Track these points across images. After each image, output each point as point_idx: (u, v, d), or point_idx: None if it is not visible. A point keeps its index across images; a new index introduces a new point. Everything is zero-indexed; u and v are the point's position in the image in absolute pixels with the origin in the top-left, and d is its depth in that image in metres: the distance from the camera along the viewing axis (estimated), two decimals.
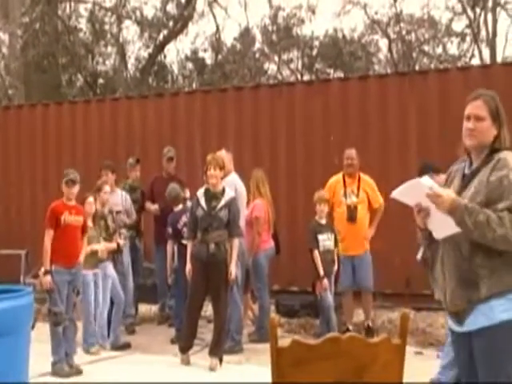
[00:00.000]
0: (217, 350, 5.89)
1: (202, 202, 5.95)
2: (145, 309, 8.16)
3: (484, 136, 2.73)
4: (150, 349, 6.62)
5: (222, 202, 5.93)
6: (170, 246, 6.92)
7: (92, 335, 6.40)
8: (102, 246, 6.54)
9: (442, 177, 6.22)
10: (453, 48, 21.22)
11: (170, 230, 6.89)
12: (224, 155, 6.55)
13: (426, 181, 2.70)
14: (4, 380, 4.15)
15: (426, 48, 21.42)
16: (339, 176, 7.14)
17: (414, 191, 2.69)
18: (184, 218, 6.81)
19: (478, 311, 2.62)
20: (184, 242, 6.69)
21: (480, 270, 2.61)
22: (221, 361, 5.88)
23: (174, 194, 7.04)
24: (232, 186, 6.32)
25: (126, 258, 7.34)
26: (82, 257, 5.98)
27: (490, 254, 2.60)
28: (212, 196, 5.96)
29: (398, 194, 2.76)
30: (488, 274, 2.60)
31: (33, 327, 6.02)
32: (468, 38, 20.91)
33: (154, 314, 8.07)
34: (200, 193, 6.03)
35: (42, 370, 5.54)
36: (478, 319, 2.63)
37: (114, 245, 6.78)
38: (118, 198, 7.52)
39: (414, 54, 21.16)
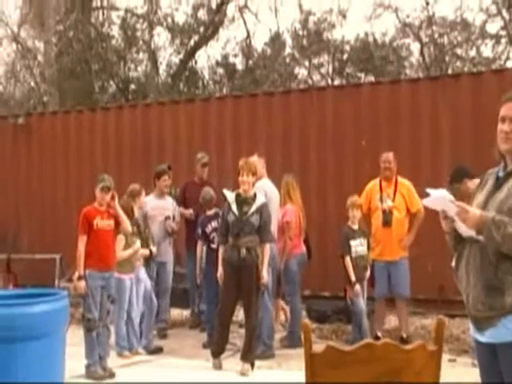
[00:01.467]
0: (248, 354, 5.90)
1: (234, 207, 5.97)
2: (177, 313, 8.20)
3: None
4: (182, 353, 6.65)
5: (254, 208, 5.94)
6: (200, 247, 6.97)
7: (124, 339, 6.46)
8: (139, 250, 6.62)
9: (476, 181, 6.15)
10: (487, 50, 20.90)
11: (199, 231, 6.96)
12: (256, 160, 6.56)
13: (445, 194, 2.65)
14: (40, 381, 4.21)
15: (459, 51, 21.14)
16: (376, 181, 7.03)
17: (441, 201, 2.65)
18: (214, 223, 6.86)
19: (501, 324, 2.51)
20: (213, 246, 6.77)
21: (506, 276, 2.51)
22: (252, 366, 5.89)
23: (209, 197, 7.09)
24: (262, 191, 6.33)
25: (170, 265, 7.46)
26: (116, 260, 6.05)
27: None
28: (243, 201, 5.97)
29: (429, 202, 2.71)
30: None
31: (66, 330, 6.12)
32: (503, 40, 20.58)
33: (185, 319, 8.12)
34: (231, 198, 6.05)
35: (75, 373, 5.60)
36: (500, 332, 2.52)
37: (147, 251, 6.84)
38: (169, 204, 7.62)
39: (447, 58, 20.90)
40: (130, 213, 6.52)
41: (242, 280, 5.89)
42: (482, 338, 2.61)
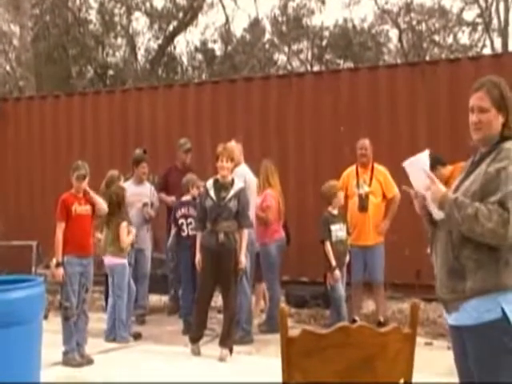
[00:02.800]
0: (227, 340, 5.91)
1: (212, 192, 5.96)
2: (155, 299, 8.20)
3: (490, 128, 2.65)
4: (161, 339, 6.66)
5: (232, 193, 5.94)
6: (173, 231, 7.08)
7: (126, 327, 6.54)
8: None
9: (449, 168, 6.21)
10: (464, 38, 21.08)
11: (172, 216, 7.07)
12: (234, 146, 6.55)
13: (425, 157, 2.78)
14: (16, 369, 4.18)
15: (436, 38, 21.25)
16: (353, 167, 7.10)
17: (417, 168, 2.74)
18: (184, 209, 6.88)
19: (463, 308, 2.57)
20: (183, 233, 6.84)
21: (467, 261, 2.55)
22: (231, 351, 5.91)
23: (184, 181, 7.09)
24: (242, 177, 6.33)
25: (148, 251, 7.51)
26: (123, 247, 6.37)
27: (479, 247, 2.53)
28: (221, 187, 5.97)
29: (408, 165, 2.80)
30: (474, 267, 2.54)
31: (46, 318, 6.10)
32: (479, 28, 20.72)
33: (164, 305, 8.11)
34: (209, 184, 6.04)
35: (53, 360, 5.58)
36: (462, 316, 2.58)
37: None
38: (147, 190, 7.59)
39: (425, 44, 21.01)
40: (121, 200, 6.53)
41: (221, 265, 5.89)
42: (450, 321, 2.68)
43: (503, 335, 2.49)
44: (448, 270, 2.62)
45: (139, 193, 7.46)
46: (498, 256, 2.52)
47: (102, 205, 6.09)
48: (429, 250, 2.82)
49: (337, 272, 6.61)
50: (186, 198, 7.02)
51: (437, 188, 2.63)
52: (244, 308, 6.43)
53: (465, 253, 2.57)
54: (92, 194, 6.01)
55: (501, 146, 2.61)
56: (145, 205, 7.48)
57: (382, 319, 6.82)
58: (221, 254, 5.88)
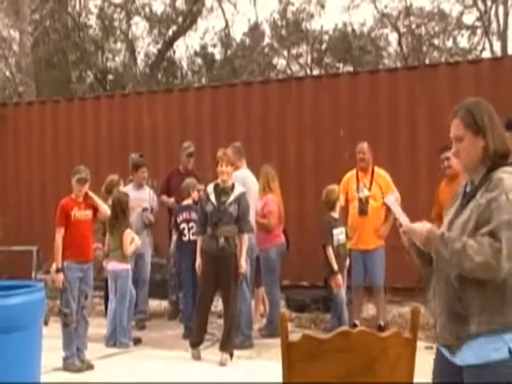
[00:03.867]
0: (227, 344, 5.90)
1: (212, 197, 5.96)
2: (155, 304, 8.18)
3: (469, 155, 2.51)
4: (161, 344, 6.64)
5: (232, 197, 5.94)
6: (173, 236, 7.08)
7: (126, 332, 6.54)
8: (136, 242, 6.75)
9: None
10: (463, 41, 21.08)
11: (173, 220, 7.04)
12: (241, 147, 6.62)
13: (390, 199, 2.67)
14: (16, 374, 4.17)
15: (436, 41, 21.29)
16: (353, 172, 7.08)
17: (395, 206, 2.61)
18: (185, 214, 6.88)
19: (468, 347, 2.39)
20: (184, 238, 6.84)
21: (470, 303, 2.38)
22: (231, 356, 5.90)
23: (184, 185, 7.08)
24: (240, 181, 6.32)
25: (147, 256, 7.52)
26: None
27: (481, 286, 2.35)
28: (221, 191, 5.96)
29: (388, 200, 2.71)
30: (478, 310, 2.37)
31: (46, 324, 6.08)
32: (479, 31, 20.76)
33: (164, 309, 8.10)
34: (210, 188, 6.04)
35: (53, 365, 5.57)
36: (467, 356, 2.41)
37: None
38: (146, 195, 7.59)
39: (424, 48, 21.04)
40: (125, 206, 6.54)
41: (221, 270, 5.89)
42: (450, 358, 2.50)
43: (510, 376, 2.34)
44: (450, 314, 2.44)
45: (139, 197, 7.45)
46: (502, 293, 2.36)
47: (105, 209, 6.09)
48: (428, 299, 2.61)
49: (339, 277, 6.59)
50: (187, 202, 7.01)
51: (419, 229, 2.44)
52: (244, 312, 6.42)
53: (466, 294, 2.39)
54: (95, 198, 6.01)
55: (491, 175, 2.46)
56: (144, 209, 7.49)
57: (382, 323, 6.80)
58: (221, 258, 5.87)
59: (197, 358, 5.98)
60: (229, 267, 5.88)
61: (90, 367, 5.74)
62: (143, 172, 7.62)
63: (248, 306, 6.54)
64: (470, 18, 20.69)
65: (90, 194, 5.95)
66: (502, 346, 2.35)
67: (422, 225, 2.46)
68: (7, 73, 19.30)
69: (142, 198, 7.51)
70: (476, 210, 2.42)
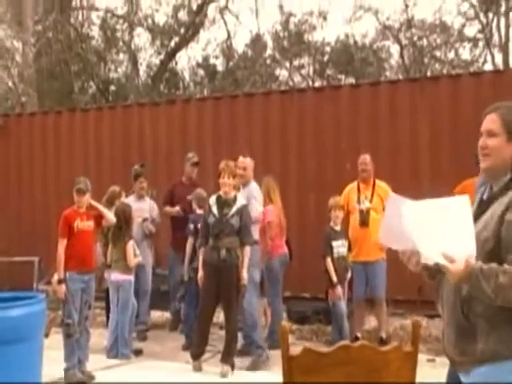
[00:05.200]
0: (228, 356, 5.89)
1: (214, 209, 5.98)
2: (157, 315, 8.17)
3: (498, 155, 2.30)
4: (162, 355, 6.63)
5: (234, 209, 5.95)
6: (190, 244, 6.90)
7: (127, 343, 6.53)
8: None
9: None
10: (465, 53, 21.13)
11: (191, 226, 6.91)
12: (248, 162, 6.66)
13: (407, 208, 2.21)
14: None
15: (437, 53, 21.34)
16: (354, 183, 7.11)
17: (394, 233, 2.24)
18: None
19: (475, 373, 2.25)
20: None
21: (478, 320, 2.23)
22: (232, 367, 5.88)
23: (204, 196, 7.02)
24: (245, 195, 6.35)
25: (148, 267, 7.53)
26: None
27: (492, 305, 2.18)
28: (224, 203, 5.98)
29: (382, 237, 2.39)
30: (487, 328, 2.22)
31: (47, 336, 6.07)
32: (480, 44, 20.81)
33: (165, 321, 8.08)
34: (212, 200, 6.06)
35: (55, 377, 5.56)
36: (474, 381, 2.27)
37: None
38: (146, 206, 7.60)
39: (426, 60, 21.09)
40: (129, 218, 6.55)
41: (222, 281, 5.89)
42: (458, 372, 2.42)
43: None
44: (457, 328, 2.30)
45: (139, 208, 7.46)
46: None
47: (110, 215, 6.14)
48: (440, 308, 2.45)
49: (338, 288, 6.59)
50: (200, 211, 6.92)
51: (457, 268, 2.15)
52: (256, 326, 6.37)
53: (475, 310, 2.24)
54: (99, 206, 6.05)
55: None
56: (144, 220, 7.50)
57: (384, 336, 6.79)
58: (222, 269, 5.87)
59: (198, 369, 5.96)
60: (230, 279, 5.88)
61: (91, 378, 5.73)
62: (141, 182, 7.64)
63: (259, 318, 6.52)
64: (471, 30, 20.73)
65: (94, 203, 5.97)
66: (509, 375, 2.19)
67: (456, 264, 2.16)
68: (10, 83, 19.37)
69: (142, 208, 7.53)
70: (496, 221, 2.23)
